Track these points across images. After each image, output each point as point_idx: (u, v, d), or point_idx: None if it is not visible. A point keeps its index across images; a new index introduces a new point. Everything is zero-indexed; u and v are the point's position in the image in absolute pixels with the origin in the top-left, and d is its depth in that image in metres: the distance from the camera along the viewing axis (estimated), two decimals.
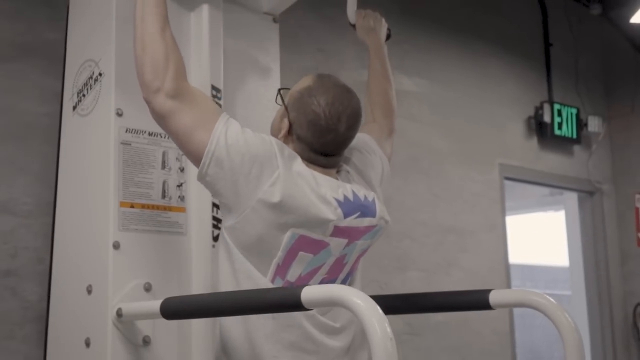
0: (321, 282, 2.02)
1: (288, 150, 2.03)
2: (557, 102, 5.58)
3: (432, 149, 4.66)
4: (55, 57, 2.85)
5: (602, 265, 5.92)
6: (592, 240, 5.99)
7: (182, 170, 2.40)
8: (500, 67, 5.30)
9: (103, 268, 2.24)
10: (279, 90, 2.15)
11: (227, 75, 2.52)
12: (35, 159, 2.91)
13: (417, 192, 4.52)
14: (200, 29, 2.48)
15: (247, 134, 1.99)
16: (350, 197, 2.04)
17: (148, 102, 2.02)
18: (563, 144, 5.68)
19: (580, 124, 5.76)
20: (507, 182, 5.23)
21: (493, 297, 2.12)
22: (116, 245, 2.23)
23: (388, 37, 2.77)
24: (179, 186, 2.40)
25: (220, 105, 2.45)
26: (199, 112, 2.00)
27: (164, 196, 2.36)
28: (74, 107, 2.49)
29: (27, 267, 2.84)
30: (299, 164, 2.00)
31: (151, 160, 2.35)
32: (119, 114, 2.30)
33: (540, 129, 5.49)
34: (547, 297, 2.02)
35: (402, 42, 4.38)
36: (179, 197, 2.39)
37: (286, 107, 2.09)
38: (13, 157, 2.88)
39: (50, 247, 2.59)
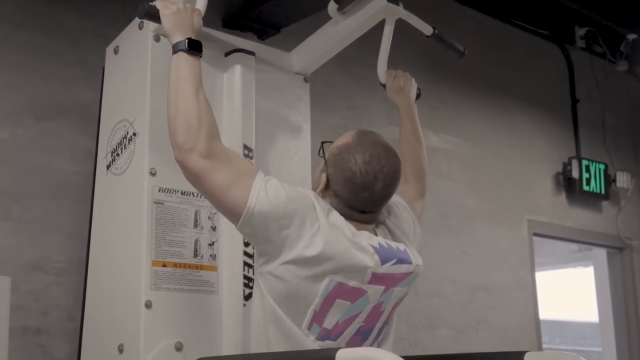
0: (358, 331, 2.02)
1: (324, 203, 2.04)
2: (585, 158, 5.55)
3: (460, 206, 4.64)
4: (89, 117, 2.89)
5: (633, 321, 5.83)
6: (622, 296, 5.91)
7: (214, 228, 2.41)
8: (528, 124, 5.31)
9: (135, 327, 2.24)
10: (322, 143, 2.17)
11: (259, 134, 2.54)
12: (68, 217, 2.94)
13: (446, 249, 4.49)
14: (232, 90, 2.52)
15: (285, 188, 2.01)
16: (385, 245, 2.05)
17: (181, 163, 2.03)
18: (591, 200, 5.64)
19: (609, 180, 5.73)
20: (535, 239, 5.19)
21: None
22: (148, 305, 2.23)
23: (418, 96, 2.79)
24: (210, 245, 2.41)
25: (252, 164, 2.47)
26: (234, 171, 2.02)
27: (195, 255, 2.37)
28: (108, 166, 2.52)
29: (58, 325, 2.85)
30: (336, 216, 2.02)
31: (183, 219, 2.37)
32: (153, 174, 2.33)
33: (569, 185, 5.47)
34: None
35: (429, 99, 4.39)
36: (211, 255, 2.40)
37: (326, 162, 2.10)
38: (46, 215, 2.91)
39: (82, 306, 2.60)
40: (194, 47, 2.12)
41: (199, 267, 2.37)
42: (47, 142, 2.97)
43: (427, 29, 2.75)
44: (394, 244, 2.09)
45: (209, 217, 2.41)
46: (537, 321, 5.02)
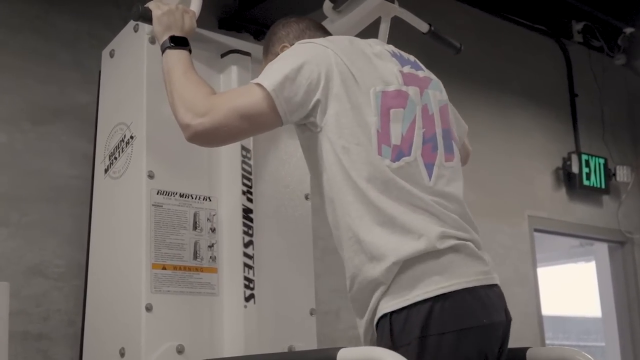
0: (424, 138, 1.98)
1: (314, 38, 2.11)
2: (585, 153, 5.56)
3: None
4: (86, 120, 2.89)
5: (636, 315, 5.83)
6: (624, 290, 5.91)
7: (213, 230, 2.41)
8: (527, 119, 5.30)
9: (136, 330, 2.23)
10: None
11: (257, 135, 2.53)
12: (67, 221, 2.93)
13: None
14: None
15: (285, 57, 2.02)
16: (397, 52, 2.13)
17: (193, 136, 1.96)
18: (592, 194, 5.64)
19: (609, 174, 5.73)
20: (536, 234, 5.19)
21: (530, 356, 2.09)
22: (149, 308, 2.23)
23: None
24: (210, 247, 2.40)
25: (250, 166, 2.46)
26: (233, 94, 2.05)
27: (195, 257, 2.36)
28: (106, 170, 2.51)
29: (59, 330, 2.84)
30: (334, 37, 2.11)
31: (182, 222, 2.36)
32: (151, 177, 2.32)
33: (569, 180, 5.47)
34: (586, 354, 1.99)
35: None
36: (211, 257, 2.39)
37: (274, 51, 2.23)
38: (45, 219, 2.90)
39: (82, 310, 2.59)
40: (178, 42, 2.13)
41: (199, 269, 2.36)
42: (45, 145, 2.97)
43: (423, 26, 2.74)
44: (404, 54, 2.16)
45: (208, 219, 2.41)
46: (539, 317, 5.02)
